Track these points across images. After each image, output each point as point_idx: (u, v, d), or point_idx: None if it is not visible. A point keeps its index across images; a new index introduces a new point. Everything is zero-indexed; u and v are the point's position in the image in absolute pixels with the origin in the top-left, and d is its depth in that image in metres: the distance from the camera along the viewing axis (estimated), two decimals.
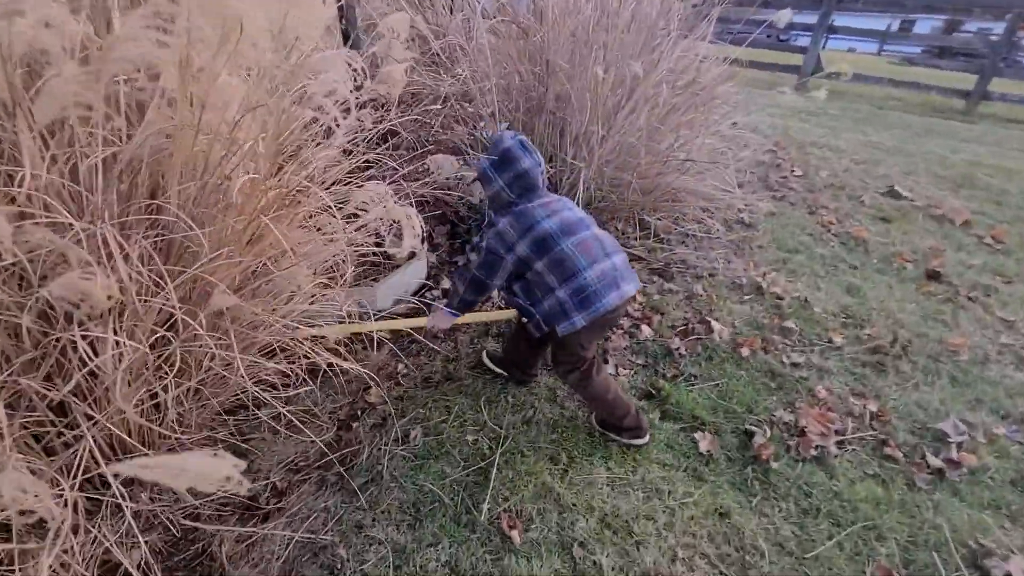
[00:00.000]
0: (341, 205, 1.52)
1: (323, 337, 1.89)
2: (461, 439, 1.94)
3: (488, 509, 1.70)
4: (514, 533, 1.62)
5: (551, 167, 3.06)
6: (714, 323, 2.63)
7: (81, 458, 1.16)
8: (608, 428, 1.98)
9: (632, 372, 2.35)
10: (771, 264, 3.27)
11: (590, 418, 2.04)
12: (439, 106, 2.51)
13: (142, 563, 1.47)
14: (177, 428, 1.41)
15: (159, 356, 1.30)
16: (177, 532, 1.53)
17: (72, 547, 1.24)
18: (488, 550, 1.59)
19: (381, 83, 1.61)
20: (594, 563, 1.57)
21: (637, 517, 1.70)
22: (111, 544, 1.36)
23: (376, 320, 2.26)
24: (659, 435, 2.02)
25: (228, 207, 1.24)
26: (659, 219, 3.47)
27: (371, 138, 1.93)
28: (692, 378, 2.33)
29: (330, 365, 1.75)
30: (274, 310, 1.53)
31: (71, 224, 0.89)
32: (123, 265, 0.93)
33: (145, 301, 1.09)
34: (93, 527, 1.39)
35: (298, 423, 1.80)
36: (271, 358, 1.71)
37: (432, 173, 2.17)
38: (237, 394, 1.75)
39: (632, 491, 1.79)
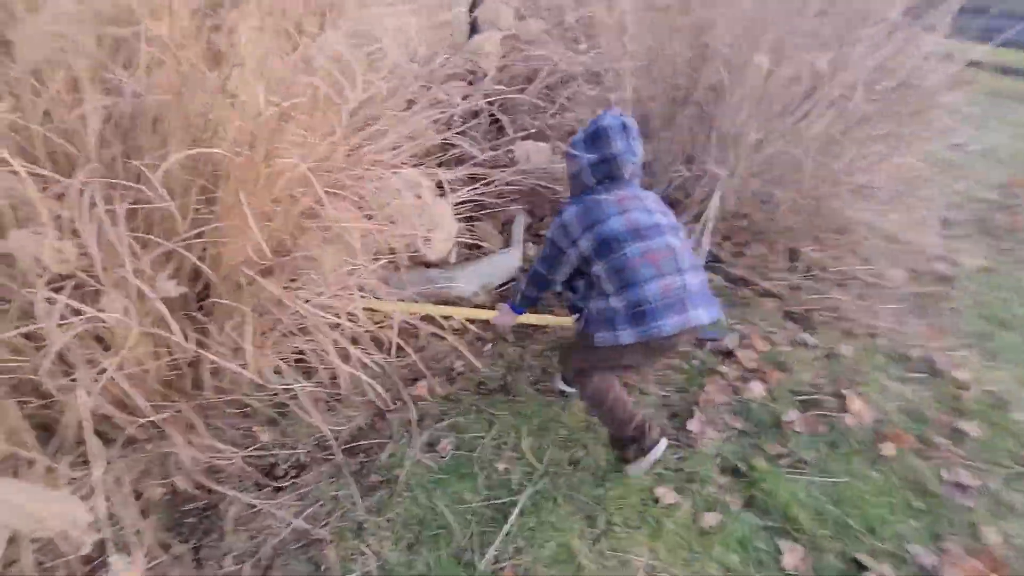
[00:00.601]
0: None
1: (382, 313, 1.78)
2: (492, 463, 1.73)
3: (495, 556, 1.48)
4: None
5: (687, 169, 2.61)
6: (854, 400, 2.04)
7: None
8: (615, 446, 1.72)
9: (723, 436, 1.91)
10: (963, 337, 2.46)
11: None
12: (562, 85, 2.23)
13: (161, 499, 1.53)
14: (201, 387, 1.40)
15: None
16: (192, 486, 1.55)
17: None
18: None
19: (473, 54, 1.38)
20: None
21: None
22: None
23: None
24: (732, 527, 1.60)
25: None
26: (815, 251, 2.82)
27: (458, 117, 1.73)
28: (801, 465, 1.82)
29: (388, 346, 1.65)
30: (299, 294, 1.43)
31: (58, 179, 0.84)
32: (93, 229, 0.86)
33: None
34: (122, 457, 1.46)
35: (335, 401, 1.74)
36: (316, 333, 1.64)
37: (519, 162, 1.92)
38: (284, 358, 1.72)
39: None
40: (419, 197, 1.13)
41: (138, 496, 1.47)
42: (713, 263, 2.71)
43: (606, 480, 1.71)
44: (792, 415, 1.98)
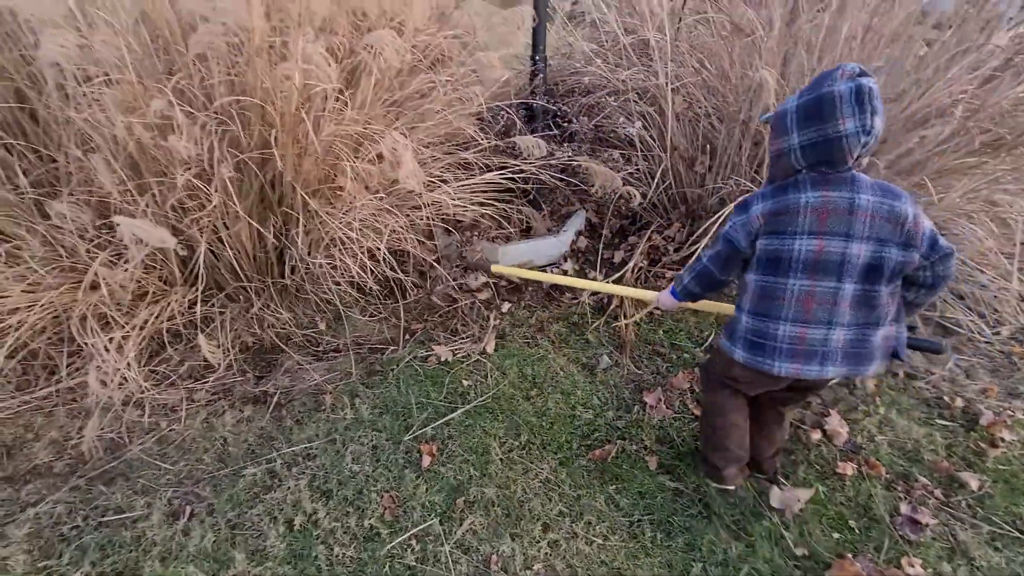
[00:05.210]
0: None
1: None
2: (461, 379, 2.17)
3: (431, 433, 1.93)
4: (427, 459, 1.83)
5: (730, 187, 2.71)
6: (834, 418, 1.99)
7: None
8: (699, 455, 1.82)
9: (674, 415, 2.05)
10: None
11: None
12: (613, 99, 2.57)
13: (251, 343, 2.32)
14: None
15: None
16: (269, 342, 2.32)
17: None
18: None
19: (478, 64, 1.90)
20: None
21: None
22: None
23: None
24: (640, 478, 1.79)
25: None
26: None
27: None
28: None
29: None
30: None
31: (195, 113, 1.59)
32: (207, 142, 1.60)
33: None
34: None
35: (376, 309, 2.37)
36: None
37: (521, 154, 2.32)
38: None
39: None
40: (395, 151, 1.68)
41: (238, 336, 2.29)
42: None
43: (545, 414, 2.03)
44: None
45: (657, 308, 2.19)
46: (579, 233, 3.08)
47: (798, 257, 1.30)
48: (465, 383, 2.16)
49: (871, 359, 1.35)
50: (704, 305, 1.88)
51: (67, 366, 2.09)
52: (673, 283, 1.69)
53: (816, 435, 1.94)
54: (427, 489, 1.75)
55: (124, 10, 1.52)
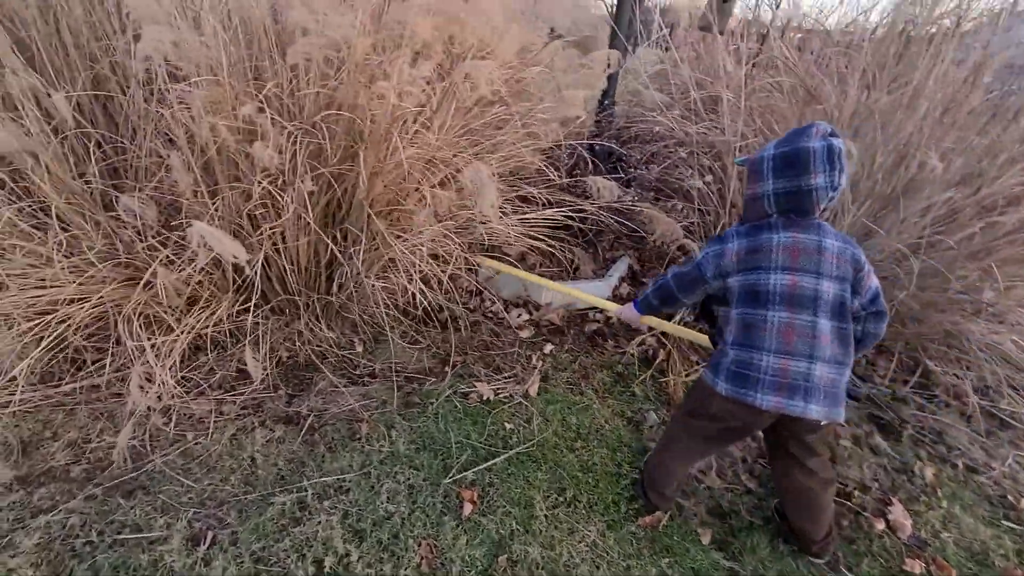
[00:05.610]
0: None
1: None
2: (503, 423, 2.06)
3: (471, 478, 1.82)
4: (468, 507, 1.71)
5: None
6: (897, 508, 1.87)
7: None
8: (639, 478, 1.83)
9: (727, 486, 1.93)
10: None
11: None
12: (680, 151, 2.55)
13: (286, 358, 2.23)
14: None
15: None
16: (306, 358, 2.23)
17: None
18: None
19: (562, 102, 1.88)
20: None
21: None
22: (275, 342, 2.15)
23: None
24: (692, 552, 1.67)
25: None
26: (936, 366, 2.54)
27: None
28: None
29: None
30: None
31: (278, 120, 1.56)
32: (289, 152, 1.56)
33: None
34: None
35: (417, 335, 2.28)
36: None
37: (591, 195, 2.28)
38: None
39: None
40: (478, 180, 1.63)
41: (273, 350, 2.19)
42: None
43: (591, 470, 1.92)
44: None
45: (619, 319, 2.30)
46: (622, 279, 3.03)
47: (774, 290, 1.37)
48: (507, 426, 2.05)
49: (841, 400, 1.37)
50: (671, 328, 2.04)
51: (94, 362, 2.00)
52: (636, 297, 1.80)
53: (879, 525, 1.82)
54: (467, 541, 1.63)
55: (226, 14, 1.50)
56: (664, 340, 2.55)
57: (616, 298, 2.93)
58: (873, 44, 2.54)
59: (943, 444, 2.25)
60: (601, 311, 2.68)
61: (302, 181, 1.56)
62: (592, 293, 2.88)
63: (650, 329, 2.58)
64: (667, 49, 2.62)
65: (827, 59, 2.46)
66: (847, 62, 2.32)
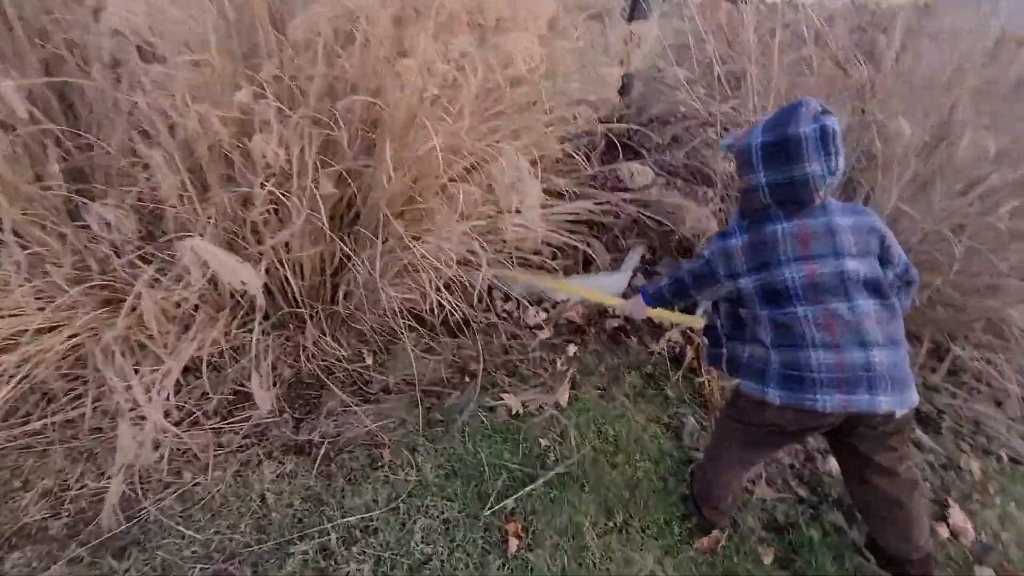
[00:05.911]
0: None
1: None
2: (537, 439, 1.89)
3: (511, 507, 1.64)
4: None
5: None
6: (957, 512, 1.79)
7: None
8: (689, 493, 1.70)
9: (778, 496, 1.81)
10: None
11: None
12: (703, 131, 2.37)
13: (288, 376, 1.99)
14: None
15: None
16: (310, 375, 1.99)
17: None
18: None
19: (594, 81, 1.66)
20: None
21: None
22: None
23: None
24: (755, 572, 1.54)
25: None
26: (970, 354, 2.46)
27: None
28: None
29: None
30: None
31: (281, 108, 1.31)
32: (297, 147, 1.31)
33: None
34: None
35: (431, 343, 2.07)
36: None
37: (624, 182, 2.10)
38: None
39: None
40: (517, 175, 1.41)
41: (274, 368, 1.95)
42: None
43: (637, 487, 1.76)
44: None
45: (624, 312, 2.27)
46: (636, 270, 2.86)
47: (793, 284, 1.26)
48: (542, 443, 1.87)
49: (910, 383, 1.26)
50: (670, 316, 1.99)
51: (68, 392, 1.73)
52: (643, 289, 1.72)
53: (943, 532, 1.73)
54: None
55: None
56: (691, 335, 2.40)
57: (633, 289, 2.77)
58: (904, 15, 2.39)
59: (983, 435, 2.19)
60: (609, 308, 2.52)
61: (315, 181, 1.31)
62: (610, 286, 2.72)
63: (673, 325, 2.44)
64: (687, 20, 2.42)
65: (859, 30, 2.30)
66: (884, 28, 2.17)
